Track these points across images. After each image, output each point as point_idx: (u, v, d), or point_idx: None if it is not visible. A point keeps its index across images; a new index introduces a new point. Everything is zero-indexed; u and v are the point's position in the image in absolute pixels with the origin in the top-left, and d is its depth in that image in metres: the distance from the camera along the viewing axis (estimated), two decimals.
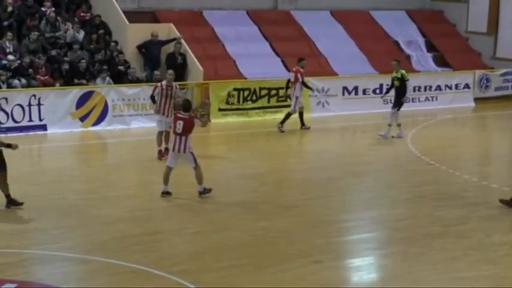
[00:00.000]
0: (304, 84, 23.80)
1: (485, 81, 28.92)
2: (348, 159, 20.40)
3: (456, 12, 32.68)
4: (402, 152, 21.33)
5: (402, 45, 30.58)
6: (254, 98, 25.35)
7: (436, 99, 28.29)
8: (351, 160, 20.24)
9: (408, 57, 29.93)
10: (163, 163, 17.01)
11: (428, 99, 28.20)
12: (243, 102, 25.21)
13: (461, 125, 25.96)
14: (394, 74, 22.59)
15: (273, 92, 25.47)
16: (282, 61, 27.64)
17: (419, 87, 28.07)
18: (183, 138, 15.67)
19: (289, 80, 23.73)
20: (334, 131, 24.61)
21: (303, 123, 23.89)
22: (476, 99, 29.00)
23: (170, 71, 20.15)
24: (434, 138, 23.41)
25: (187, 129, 15.67)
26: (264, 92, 25.45)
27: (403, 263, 12.88)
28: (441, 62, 30.60)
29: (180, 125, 15.64)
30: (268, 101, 25.51)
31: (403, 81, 22.30)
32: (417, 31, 31.71)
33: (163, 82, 19.52)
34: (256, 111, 25.33)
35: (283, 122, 23.54)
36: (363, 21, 31.00)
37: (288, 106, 23.80)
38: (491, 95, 28.86)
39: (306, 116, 24.32)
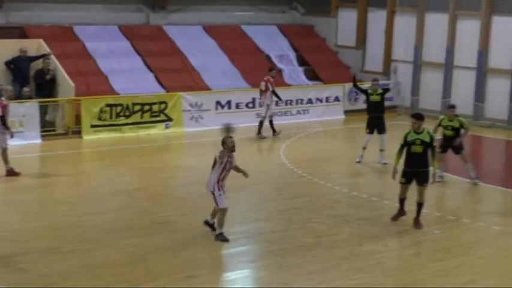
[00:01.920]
0: (274, 92, 25.14)
1: (354, 94, 29.60)
2: None
3: (326, 27, 33.39)
4: (275, 165, 21.62)
5: (274, 60, 30.94)
6: (127, 113, 25.15)
7: (308, 112, 28.79)
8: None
9: (280, 71, 30.31)
10: (32, 180, 16.64)
11: (300, 113, 28.67)
12: (116, 118, 24.97)
13: (332, 137, 26.51)
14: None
15: (146, 107, 25.35)
16: (155, 76, 27.55)
17: (291, 101, 28.51)
18: None
19: (261, 90, 24.98)
20: (208, 145, 24.63)
21: (274, 130, 25.21)
22: (346, 112, 29.68)
23: (10, 87, 20.25)
24: (306, 150, 23.81)
25: None
26: (137, 107, 25.29)
27: (278, 275, 13.07)
28: (312, 75, 31.15)
29: None
30: (142, 117, 25.35)
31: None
32: (288, 46, 32.19)
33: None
34: (130, 126, 25.13)
35: (259, 131, 24.95)
36: (235, 36, 31.27)
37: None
38: (360, 107, 29.50)
39: (179, 130, 24.37)
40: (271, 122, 25.30)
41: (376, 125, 21.47)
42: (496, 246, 14.97)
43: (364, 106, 28.62)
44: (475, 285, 12.85)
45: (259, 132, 25.19)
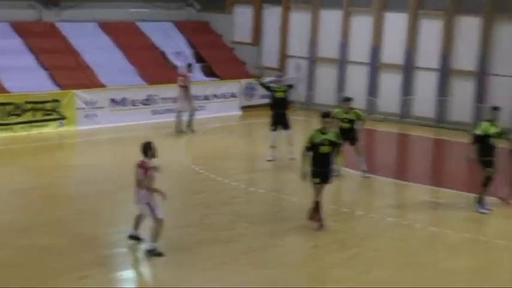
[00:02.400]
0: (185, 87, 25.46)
1: (250, 90, 29.71)
2: (118, 171, 20.22)
3: (222, 23, 33.37)
4: (172, 162, 21.42)
5: (170, 56, 30.75)
6: (18, 112, 24.58)
7: (205, 109, 28.68)
8: (121, 172, 20.08)
9: (176, 68, 30.14)
10: None
11: (197, 109, 28.52)
12: (8, 117, 24.38)
13: (229, 133, 26.48)
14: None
15: (39, 105, 24.84)
16: (49, 74, 27.00)
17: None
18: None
19: (180, 85, 25.40)
20: (102, 143, 24.36)
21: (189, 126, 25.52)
22: (242, 108, 29.77)
23: None
24: (204, 147, 23.77)
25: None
26: (29, 106, 24.74)
27: (175, 272, 12.98)
28: (209, 72, 31.11)
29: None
30: (34, 115, 24.82)
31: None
32: (185, 42, 32.05)
33: None
34: (22, 125, 24.56)
35: (189, 124, 25.30)
36: (131, 33, 30.92)
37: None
38: (256, 103, 29.69)
39: (72, 129, 24.04)
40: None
41: (280, 121, 21.47)
42: (390, 237, 15.24)
43: (260, 102, 29.12)
44: (369, 275, 13.03)
45: (189, 125, 25.52)
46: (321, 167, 15.27)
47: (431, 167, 22.78)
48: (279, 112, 21.51)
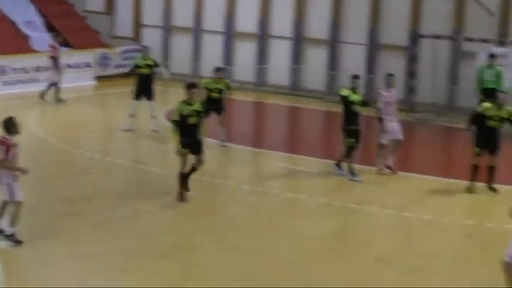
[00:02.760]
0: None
1: (105, 60, 29.30)
2: None
3: None
4: (26, 134, 20.78)
5: (21, 26, 29.88)
6: None
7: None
8: None
9: (27, 38, 29.39)
10: None
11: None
12: None
13: (83, 104, 25.95)
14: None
15: None
16: None
17: (40, 68, 27.67)
18: None
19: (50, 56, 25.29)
20: None
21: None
22: (97, 78, 29.29)
23: None
24: (58, 118, 23.31)
25: None
26: None
27: (32, 248, 12.62)
28: (62, 41, 30.40)
29: None
30: None
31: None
32: (35, 11, 31.16)
33: None
34: None
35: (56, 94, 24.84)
36: None
37: None
38: (111, 73, 29.32)
39: None
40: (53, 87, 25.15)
41: (144, 91, 21.05)
42: (247, 205, 15.43)
43: (116, 72, 28.84)
44: (228, 242, 13.17)
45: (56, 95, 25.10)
46: (189, 137, 15.18)
47: (287, 135, 23.15)
48: (144, 83, 21.24)
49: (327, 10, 27.36)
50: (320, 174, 17.73)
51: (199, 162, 15.48)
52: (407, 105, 24.46)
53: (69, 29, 30.93)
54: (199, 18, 30.03)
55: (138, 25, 31.69)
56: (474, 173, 16.27)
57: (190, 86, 15.42)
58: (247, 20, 28.95)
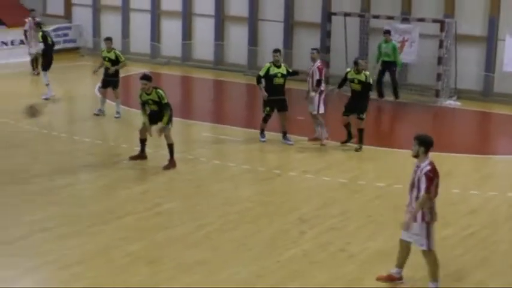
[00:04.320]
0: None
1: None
2: None
3: None
4: None
5: None
6: None
7: None
8: None
9: None
10: None
11: None
12: None
13: (19, 79, 25.34)
14: None
15: None
16: None
17: None
18: None
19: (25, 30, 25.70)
20: None
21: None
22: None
23: None
24: None
25: None
26: None
27: None
28: None
29: None
30: None
31: None
32: None
33: None
34: None
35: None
36: None
37: None
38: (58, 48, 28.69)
39: None
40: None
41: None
42: (178, 172, 15.33)
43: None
44: (162, 207, 13.11)
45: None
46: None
47: (212, 106, 23.04)
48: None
49: None
50: (243, 142, 17.78)
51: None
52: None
53: (2, 7, 30.15)
54: None
55: (69, 4, 31.07)
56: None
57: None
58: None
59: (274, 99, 17.18)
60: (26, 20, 25.66)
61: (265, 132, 17.53)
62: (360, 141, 17.04)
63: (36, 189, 13.84)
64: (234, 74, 26.47)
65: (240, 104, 23.60)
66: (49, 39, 22.51)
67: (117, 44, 28.89)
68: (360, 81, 16.83)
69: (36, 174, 14.73)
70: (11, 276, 10.12)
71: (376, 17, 24.39)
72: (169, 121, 15.13)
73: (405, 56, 23.68)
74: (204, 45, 28.09)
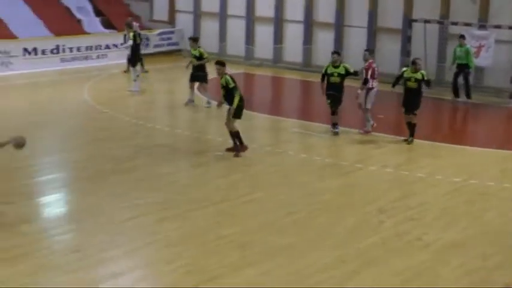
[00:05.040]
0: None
1: (145, 40, 29.12)
2: (32, 111, 19.61)
3: None
4: (79, 103, 20.93)
5: (74, 11, 29.79)
6: None
7: (106, 57, 28.09)
8: (35, 112, 19.50)
9: (79, 21, 29.31)
10: None
11: (100, 57, 27.98)
12: None
13: (128, 78, 25.88)
14: None
15: None
16: None
17: (91, 47, 27.71)
18: None
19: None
20: (18, 87, 23.52)
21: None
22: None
23: None
24: (107, 89, 23.24)
25: None
26: None
27: (86, 197, 12.74)
28: (108, 24, 30.28)
29: None
30: None
31: None
32: None
33: None
34: None
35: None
36: None
37: None
38: (151, 52, 29.19)
39: None
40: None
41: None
42: (268, 164, 15.30)
43: (154, 50, 28.87)
44: (252, 195, 13.09)
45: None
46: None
47: (300, 104, 22.95)
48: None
49: None
50: (328, 138, 17.62)
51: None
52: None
53: (114, 14, 30.79)
54: (225, 4, 29.75)
55: (172, 10, 31.47)
56: None
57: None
58: (265, 6, 28.67)
59: (329, 93, 17.54)
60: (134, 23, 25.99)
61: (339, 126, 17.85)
62: (411, 134, 16.92)
63: (140, 176, 14.04)
64: (319, 75, 26.23)
65: (325, 103, 23.38)
66: (138, 38, 22.92)
67: (214, 46, 29.41)
68: (416, 79, 16.69)
69: (141, 163, 14.91)
70: (116, 255, 10.29)
71: (454, 23, 23.87)
72: (236, 105, 15.31)
73: (481, 61, 23.12)
74: (293, 48, 28.00)
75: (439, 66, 24.73)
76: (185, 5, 30.97)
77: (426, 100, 17.51)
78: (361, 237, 11.14)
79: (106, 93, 22.56)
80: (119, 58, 27.91)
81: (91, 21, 29.92)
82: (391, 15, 25.76)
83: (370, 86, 17.57)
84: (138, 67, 22.70)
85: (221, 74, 15.44)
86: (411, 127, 16.94)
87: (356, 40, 26.37)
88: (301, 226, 11.62)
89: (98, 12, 30.69)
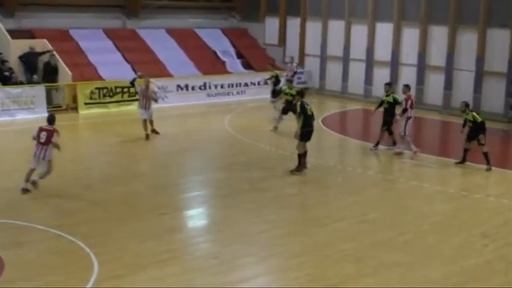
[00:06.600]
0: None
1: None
2: (183, 138, 20.22)
3: (257, 30, 33.05)
4: (221, 132, 21.42)
5: (219, 54, 30.61)
6: (111, 94, 24.74)
7: (245, 93, 28.63)
8: (185, 138, 20.10)
9: (224, 63, 30.09)
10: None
11: (239, 93, 28.55)
12: (103, 97, 24.54)
13: (262, 111, 26.25)
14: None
15: (125, 89, 24.91)
16: (131, 67, 27.00)
17: (232, 84, 28.34)
18: (45, 147, 13.35)
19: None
20: (173, 117, 24.39)
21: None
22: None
23: (139, 73, 21.22)
24: (244, 121, 23.64)
25: (49, 140, 13.34)
26: (118, 89, 24.87)
27: (224, 212, 12.98)
28: (247, 66, 30.90)
29: (44, 136, 13.32)
30: (122, 96, 24.97)
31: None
32: (229, 44, 31.82)
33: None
34: (113, 104, 24.72)
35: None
36: (190, 37, 30.78)
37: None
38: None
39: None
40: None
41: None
42: (382, 189, 15.11)
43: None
44: (368, 216, 12.93)
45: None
46: (311, 126, 15.96)
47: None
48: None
49: (444, 45, 26.39)
50: (438, 168, 17.13)
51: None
52: (508, 118, 23.91)
53: (253, 56, 31.37)
54: (347, 49, 29.70)
55: (302, 54, 31.72)
56: None
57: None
58: (383, 51, 28.37)
59: (386, 119, 18.21)
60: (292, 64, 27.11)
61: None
62: (488, 162, 16.54)
63: (271, 195, 14.17)
64: (429, 113, 25.63)
65: (435, 137, 22.81)
66: (278, 78, 23.86)
67: (336, 86, 29.28)
68: (469, 121, 16.72)
69: (272, 184, 14.98)
70: (249, 262, 10.42)
71: None
72: (301, 131, 15.49)
73: None
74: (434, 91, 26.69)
75: None
76: (313, 49, 31.17)
77: None
78: (465, 258, 10.76)
79: (243, 123, 22.96)
80: (256, 94, 28.43)
81: (233, 62, 30.64)
82: (497, 60, 24.80)
83: (409, 115, 17.76)
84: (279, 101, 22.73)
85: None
86: (486, 156, 16.59)
87: (465, 82, 25.56)
88: (411, 245, 11.36)
89: (239, 55, 31.40)
